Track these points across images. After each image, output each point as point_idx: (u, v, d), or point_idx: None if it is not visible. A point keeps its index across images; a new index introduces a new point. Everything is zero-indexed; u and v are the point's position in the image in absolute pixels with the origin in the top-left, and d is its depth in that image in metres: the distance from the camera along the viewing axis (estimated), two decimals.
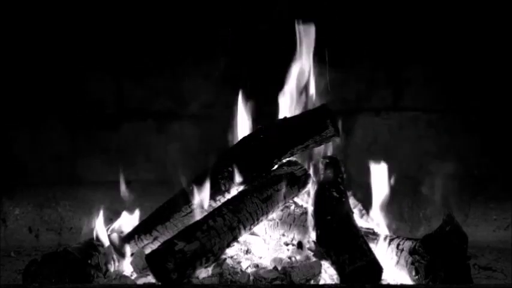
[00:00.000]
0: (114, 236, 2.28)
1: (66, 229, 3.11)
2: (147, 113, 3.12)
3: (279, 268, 2.17)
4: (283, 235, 2.40)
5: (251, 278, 2.12)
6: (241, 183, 2.37)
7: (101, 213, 2.35)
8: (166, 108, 3.11)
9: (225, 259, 2.19)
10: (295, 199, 2.45)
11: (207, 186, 2.35)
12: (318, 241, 2.22)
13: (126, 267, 2.27)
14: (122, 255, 2.26)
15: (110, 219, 2.52)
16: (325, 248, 2.16)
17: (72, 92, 3.07)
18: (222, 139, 2.75)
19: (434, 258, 2.02)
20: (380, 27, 3.04)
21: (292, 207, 2.43)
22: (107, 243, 2.26)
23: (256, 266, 2.21)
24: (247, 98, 2.66)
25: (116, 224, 2.42)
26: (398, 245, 2.22)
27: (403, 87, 3.12)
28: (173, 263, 1.97)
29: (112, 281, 2.16)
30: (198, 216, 2.27)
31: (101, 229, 2.31)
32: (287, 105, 2.65)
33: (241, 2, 3.02)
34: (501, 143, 3.09)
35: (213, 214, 2.17)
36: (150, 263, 2.01)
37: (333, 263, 2.11)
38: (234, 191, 2.36)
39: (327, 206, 2.30)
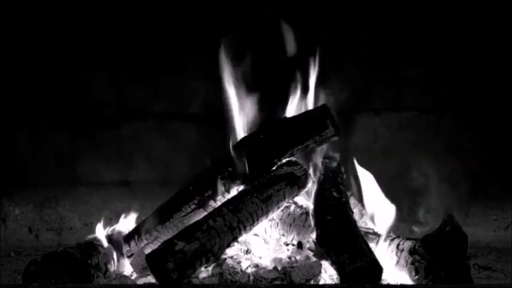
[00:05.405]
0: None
1: (66, 229, 3.11)
2: (147, 113, 3.11)
3: (279, 268, 2.17)
4: (283, 235, 2.40)
5: (251, 278, 2.12)
6: (241, 183, 2.37)
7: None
8: (166, 108, 3.10)
9: (225, 259, 2.19)
10: (295, 199, 2.45)
11: (207, 186, 2.35)
12: (318, 241, 2.22)
13: (126, 267, 2.28)
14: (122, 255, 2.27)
15: (109, 219, 2.52)
16: (325, 248, 2.16)
17: (73, 92, 3.07)
18: (222, 139, 2.74)
19: (434, 258, 2.02)
20: (380, 28, 3.04)
21: (292, 207, 2.43)
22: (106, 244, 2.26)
23: (256, 266, 2.21)
24: (247, 98, 2.66)
25: (116, 224, 2.42)
26: (398, 245, 2.22)
27: (403, 87, 3.12)
28: (173, 263, 1.96)
29: (112, 281, 2.16)
30: (198, 216, 2.27)
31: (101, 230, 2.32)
32: (288, 105, 2.65)
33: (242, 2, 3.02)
34: (501, 143, 3.09)
35: (213, 214, 2.17)
36: (150, 263, 2.01)
37: (333, 263, 2.11)
38: (234, 191, 2.36)
39: (327, 206, 2.30)
